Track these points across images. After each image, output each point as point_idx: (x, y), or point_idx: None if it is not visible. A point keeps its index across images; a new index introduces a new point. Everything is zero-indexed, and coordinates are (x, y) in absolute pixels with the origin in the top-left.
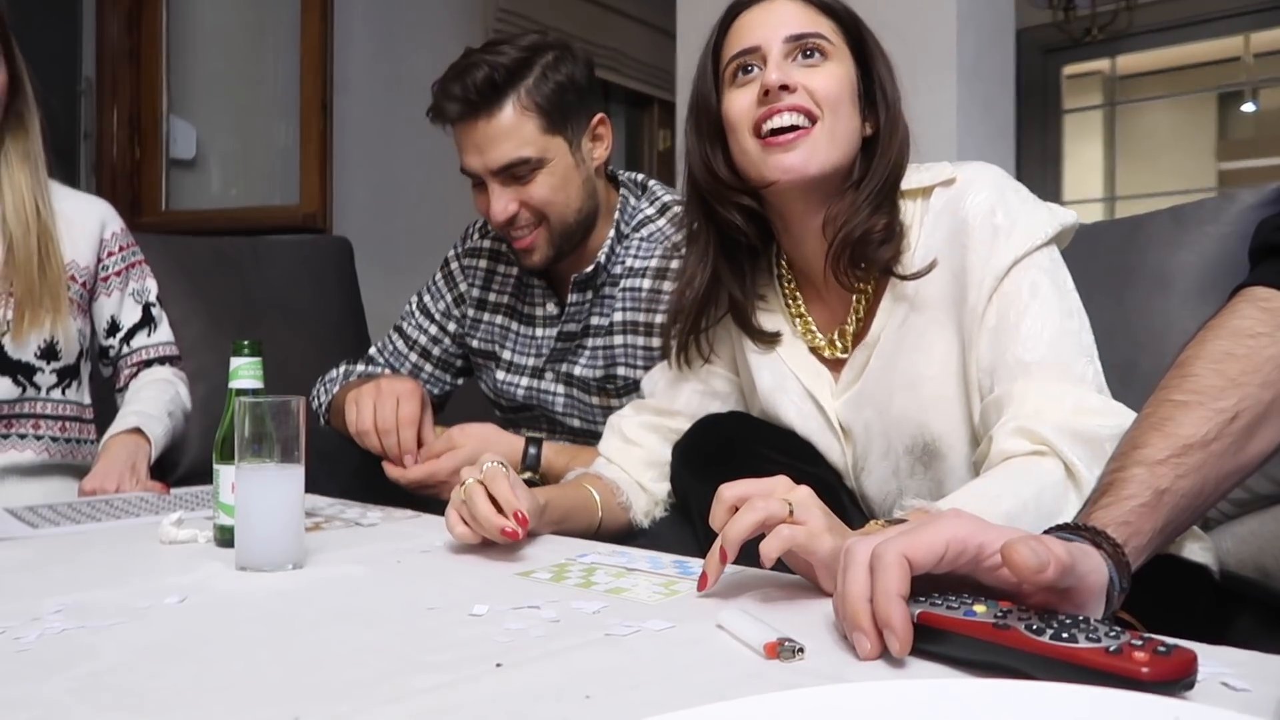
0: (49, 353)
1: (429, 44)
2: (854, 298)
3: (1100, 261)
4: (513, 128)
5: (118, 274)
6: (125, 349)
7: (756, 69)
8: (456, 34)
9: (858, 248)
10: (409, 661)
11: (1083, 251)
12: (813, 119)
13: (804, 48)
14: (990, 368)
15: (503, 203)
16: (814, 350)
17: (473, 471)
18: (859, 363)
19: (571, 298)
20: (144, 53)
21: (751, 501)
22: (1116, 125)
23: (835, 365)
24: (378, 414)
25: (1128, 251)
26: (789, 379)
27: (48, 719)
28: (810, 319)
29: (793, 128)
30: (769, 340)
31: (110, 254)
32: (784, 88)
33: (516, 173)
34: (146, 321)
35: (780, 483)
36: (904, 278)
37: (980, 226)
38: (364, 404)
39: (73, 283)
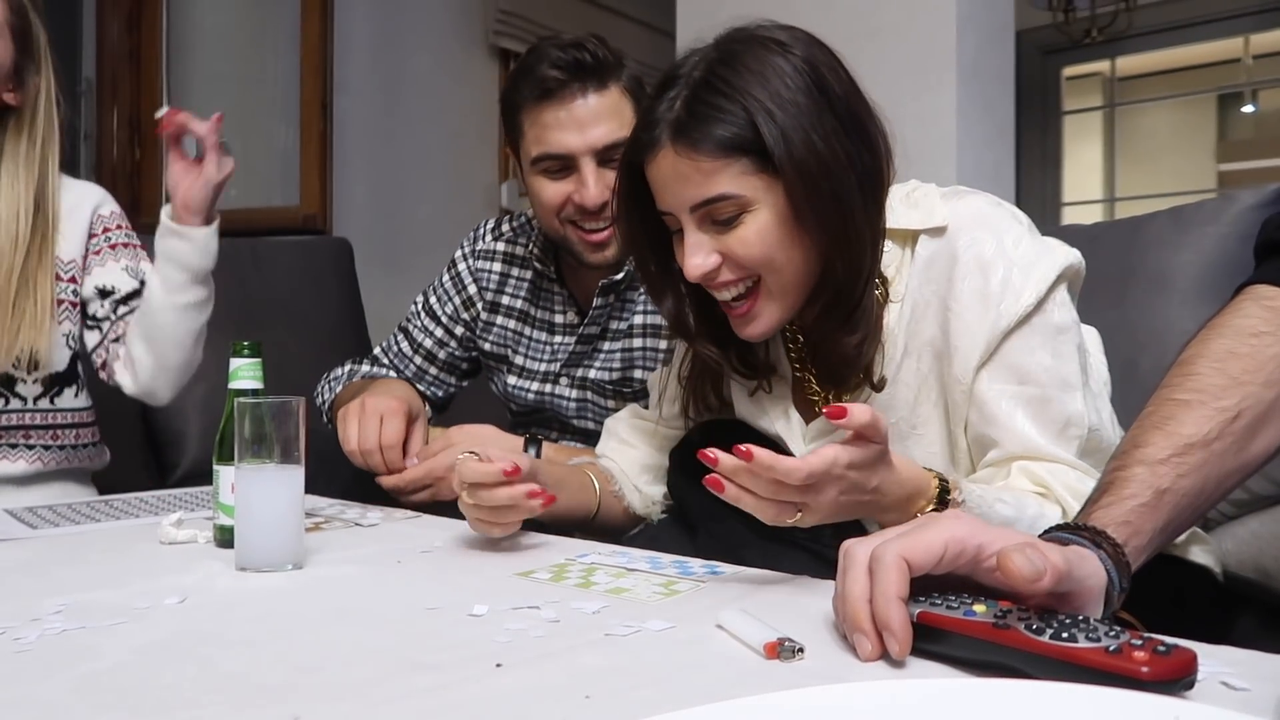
0: (27, 363)
1: (429, 44)
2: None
3: (1100, 262)
4: (617, 107)
5: (111, 247)
6: (114, 315)
7: (684, 226)
8: (456, 34)
9: (830, 373)
10: (409, 661)
11: (1083, 252)
12: (755, 276)
13: (711, 215)
14: (980, 441)
15: (600, 185)
16: (799, 391)
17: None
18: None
19: (595, 302)
20: (144, 53)
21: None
22: (1116, 126)
23: (814, 412)
24: (360, 434)
25: (1128, 252)
26: (763, 416)
27: (47, 719)
28: (811, 368)
29: (739, 295)
30: (764, 375)
31: (104, 230)
32: (708, 273)
33: (612, 154)
34: (141, 294)
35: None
36: (878, 386)
37: (970, 292)
38: (349, 423)
39: (60, 281)
